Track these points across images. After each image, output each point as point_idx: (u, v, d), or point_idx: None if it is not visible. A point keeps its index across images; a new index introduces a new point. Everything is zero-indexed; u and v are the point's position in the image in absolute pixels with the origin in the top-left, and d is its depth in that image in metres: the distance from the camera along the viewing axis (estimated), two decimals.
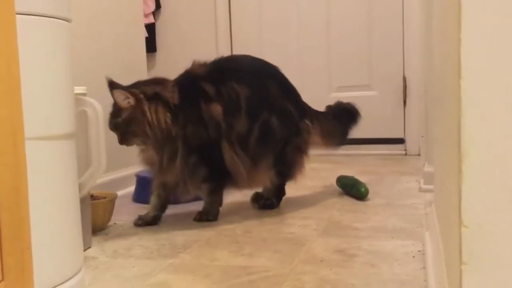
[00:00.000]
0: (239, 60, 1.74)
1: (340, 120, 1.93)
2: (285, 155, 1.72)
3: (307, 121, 1.77)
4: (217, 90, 1.60)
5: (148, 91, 1.56)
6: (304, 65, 3.29)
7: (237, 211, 1.78)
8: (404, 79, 3.12)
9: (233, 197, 1.87)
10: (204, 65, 1.66)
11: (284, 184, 1.81)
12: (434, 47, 1.18)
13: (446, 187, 0.69)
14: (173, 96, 1.57)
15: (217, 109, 1.58)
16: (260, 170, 1.68)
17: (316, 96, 3.27)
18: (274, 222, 1.60)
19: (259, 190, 1.83)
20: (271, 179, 1.72)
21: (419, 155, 3.00)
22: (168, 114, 1.54)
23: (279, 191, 1.81)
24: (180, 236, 1.47)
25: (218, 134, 1.59)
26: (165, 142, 1.56)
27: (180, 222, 1.64)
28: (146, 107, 1.53)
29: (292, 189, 1.85)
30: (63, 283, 0.95)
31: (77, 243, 1.03)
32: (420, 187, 1.93)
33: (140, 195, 1.95)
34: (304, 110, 1.80)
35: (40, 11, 0.90)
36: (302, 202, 1.86)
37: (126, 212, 1.78)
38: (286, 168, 1.74)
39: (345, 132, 1.95)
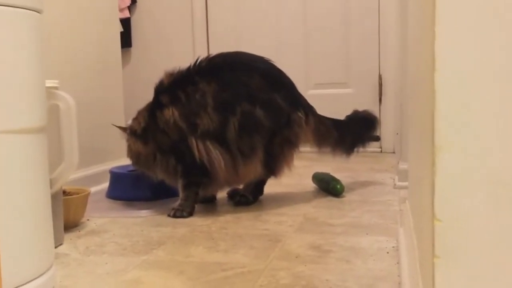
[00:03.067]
0: (215, 59, 1.73)
1: (344, 128, 1.87)
2: (272, 147, 1.69)
3: (300, 114, 1.72)
4: (173, 96, 1.67)
5: (130, 128, 1.75)
6: (282, 62, 3.25)
7: (213, 207, 1.77)
8: (380, 77, 3.15)
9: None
10: (172, 74, 1.73)
11: (265, 181, 1.81)
12: (409, 43, 1.18)
13: (420, 182, 0.69)
14: (140, 123, 1.72)
15: (169, 113, 1.66)
16: (253, 163, 1.67)
17: None
18: (249, 219, 1.59)
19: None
20: (258, 172, 1.70)
21: (394, 152, 3.03)
22: (139, 143, 1.71)
23: (257, 188, 1.80)
24: (154, 233, 1.46)
25: (180, 134, 1.65)
26: (149, 163, 1.72)
27: (155, 218, 1.62)
28: (129, 143, 1.76)
29: (268, 186, 1.84)
30: (33, 280, 0.93)
31: (48, 239, 1.01)
32: (395, 184, 1.95)
33: (114, 192, 1.93)
34: (298, 102, 1.75)
35: (10, 1, 0.88)
36: (278, 199, 1.86)
37: (100, 208, 1.75)
38: (272, 161, 1.71)
39: (345, 141, 1.88)
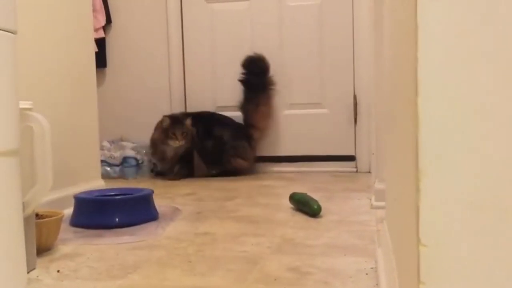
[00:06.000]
0: None
1: None
2: None
3: None
4: None
5: None
6: None
7: (189, 229, 1.75)
8: (355, 97, 3.18)
9: (186, 214, 1.84)
10: None
11: None
12: (385, 66, 1.20)
13: (400, 204, 0.69)
14: None
15: None
16: None
17: None
18: (227, 240, 1.57)
19: None
20: None
21: (369, 172, 3.05)
22: None
23: None
24: (130, 256, 1.43)
25: None
26: None
27: (130, 242, 1.59)
28: None
29: (244, 206, 1.83)
30: None
31: (20, 264, 0.98)
32: (372, 204, 1.96)
33: (79, 219, 1.79)
34: None
35: None
36: (255, 220, 1.84)
37: (73, 231, 1.71)
38: None
39: None
